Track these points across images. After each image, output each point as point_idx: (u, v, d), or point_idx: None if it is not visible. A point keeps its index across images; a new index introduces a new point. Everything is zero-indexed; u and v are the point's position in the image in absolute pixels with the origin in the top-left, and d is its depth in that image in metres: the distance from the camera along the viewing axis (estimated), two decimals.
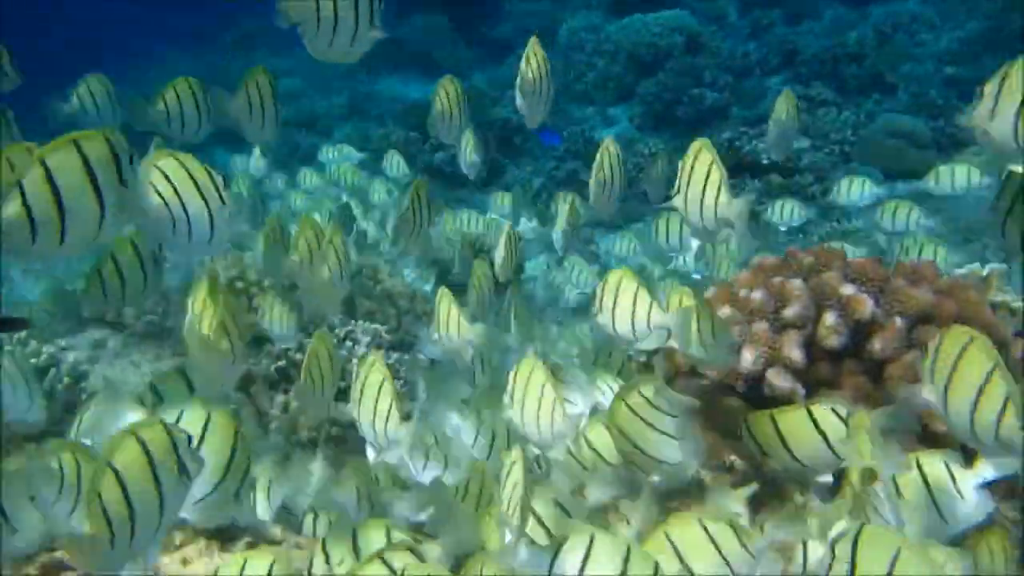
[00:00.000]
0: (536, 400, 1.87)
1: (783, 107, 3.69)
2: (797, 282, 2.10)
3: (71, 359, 3.84)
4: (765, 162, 8.93)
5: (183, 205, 1.74)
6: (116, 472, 1.37)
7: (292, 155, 10.71)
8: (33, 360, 3.70)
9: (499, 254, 3.63)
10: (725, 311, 2.16)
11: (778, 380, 2.03)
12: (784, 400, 1.96)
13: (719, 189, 1.90)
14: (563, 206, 4.00)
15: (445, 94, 2.93)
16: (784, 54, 11.69)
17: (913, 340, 1.99)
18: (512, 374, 1.93)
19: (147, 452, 1.41)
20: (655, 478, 1.84)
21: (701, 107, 10.62)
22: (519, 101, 2.42)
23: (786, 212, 5.14)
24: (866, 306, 2.04)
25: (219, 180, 1.80)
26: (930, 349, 1.58)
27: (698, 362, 2.13)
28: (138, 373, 4.33)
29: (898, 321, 2.00)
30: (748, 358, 2.07)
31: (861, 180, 5.10)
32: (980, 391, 1.49)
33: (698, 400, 2.15)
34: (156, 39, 16.03)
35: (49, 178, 1.49)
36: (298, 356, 3.10)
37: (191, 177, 1.75)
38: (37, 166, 1.49)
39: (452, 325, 2.49)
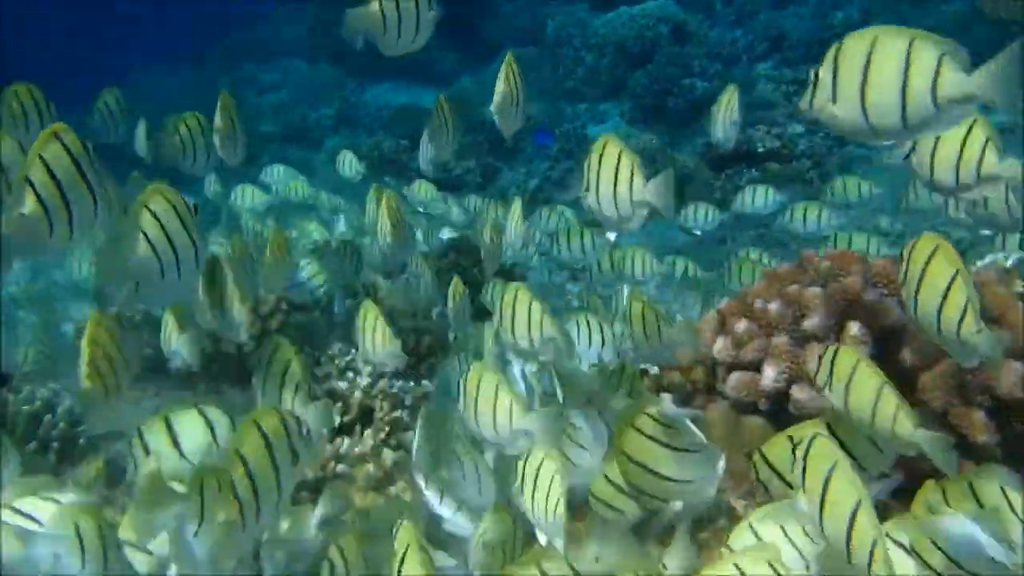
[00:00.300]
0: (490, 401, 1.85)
1: (724, 100, 3.84)
2: (815, 290, 2.00)
3: (67, 403, 3.73)
4: (761, 150, 8.84)
5: (160, 259, 1.77)
6: (244, 459, 1.52)
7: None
8: (26, 407, 3.60)
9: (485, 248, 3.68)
10: (741, 325, 2.06)
11: (803, 396, 1.93)
12: (810, 418, 1.86)
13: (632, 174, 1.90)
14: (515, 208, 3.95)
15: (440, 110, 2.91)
16: (771, 39, 11.61)
17: None
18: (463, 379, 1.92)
19: (266, 439, 1.56)
20: (678, 506, 1.74)
21: (692, 97, 10.53)
22: (495, 115, 2.44)
23: (758, 199, 5.05)
24: (892, 313, 1.94)
25: (193, 225, 1.82)
26: (904, 258, 1.69)
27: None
28: (138, 411, 4.23)
29: None
30: (770, 374, 1.97)
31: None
32: (944, 295, 1.60)
33: (717, 419, 2.07)
34: (142, 52, 15.94)
35: (51, 172, 1.62)
36: None
37: (164, 229, 1.77)
38: (38, 162, 1.61)
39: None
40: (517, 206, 3.98)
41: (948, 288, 1.59)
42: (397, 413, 3.03)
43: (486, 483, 2.13)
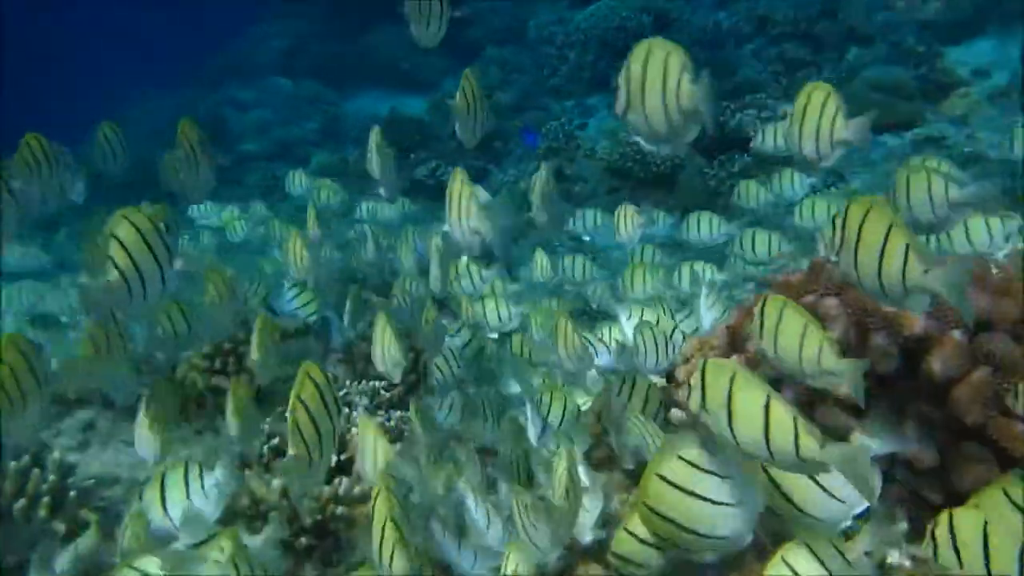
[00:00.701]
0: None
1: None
2: (832, 301, 1.85)
3: (56, 455, 3.59)
4: (752, 134, 8.67)
5: (140, 272, 1.96)
6: (305, 405, 1.74)
7: (273, 189, 10.52)
8: (13, 463, 3.45)
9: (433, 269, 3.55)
10: (755, 342, 1.91)
11: (827, 418, 1.79)
12: (837, 439, 1.72)
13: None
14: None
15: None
16: (755, 20, 11.46)
17: (976, 354, 1.74)
18: None
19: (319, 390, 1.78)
20: (709, 558, 1.59)
21: None
22: (456, 127, 2.59)
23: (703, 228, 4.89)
24: (915, 322, 1.80)
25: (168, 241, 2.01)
26: (838, 225, 1.67)
27: None
28: (130, 453, 4.09)
29: (956, 334, 1.75)
30: (790, 395, 1.83)
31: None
32: (883, 248, 1.58)
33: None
34: (119, 77, 15.84)
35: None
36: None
37: (146, 242, 1.96)
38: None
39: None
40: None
41: (886, 239, 1.57)
42: (397, 446, 2.89)
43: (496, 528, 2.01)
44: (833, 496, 1.54)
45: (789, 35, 10.83)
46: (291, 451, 1.74)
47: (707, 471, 1.53)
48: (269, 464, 2.81)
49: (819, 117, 1.93)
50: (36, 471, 3.46)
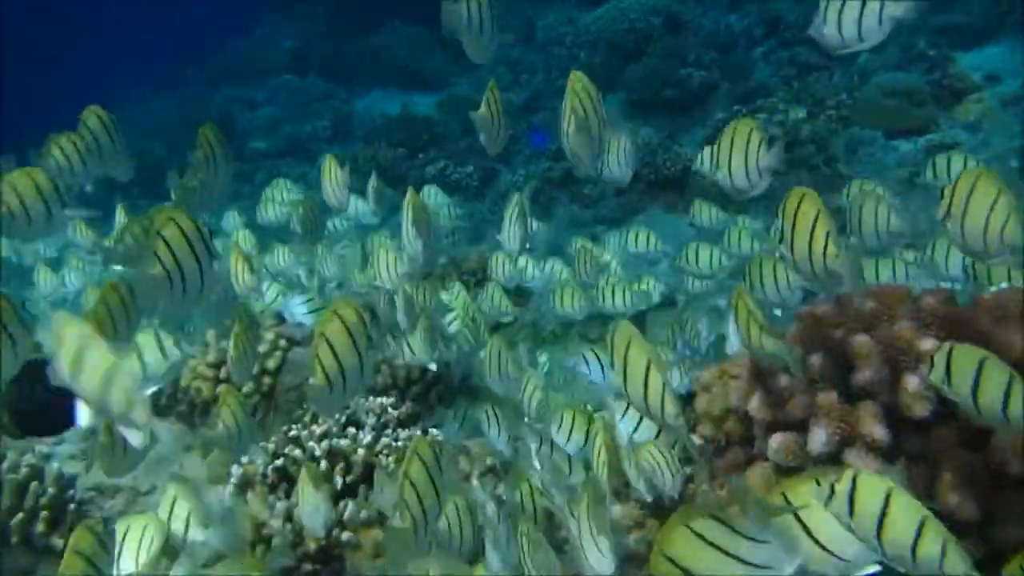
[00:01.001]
0: None
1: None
2: (863, 338, 1.77)
3: (55, 466, 3.52)
4: None
5: (181, 270, 2.00)
6: (328, 340, 1.80)
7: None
8: (12, 476, 3.39)
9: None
10: (781, 380, 1.83)
11: (859, 462, 1.71)
12: None
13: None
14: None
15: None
16: (767, 22, 11.35)
17: None
18: None
19: (346, 326, 1.83)
20: None
21: (689, 88, 10.29)
22: (481, 137, 2.67)
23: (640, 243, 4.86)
24: None
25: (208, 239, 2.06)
26: (780, 215, 1.85)
27: None
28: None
29: None
30: (820, 438, 1.75)
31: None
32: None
33: (759, 485, 1.84)
34: (133, 75, 15.80)
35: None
36: (296, 453, 2.77)
37: (188, 241, 2.01)
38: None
39: None
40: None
41: (813, 226, 1.76)
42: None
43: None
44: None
45: (801, 39, 10.74)
46: (312, 380, 1.82)
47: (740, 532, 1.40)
48: (274, 485, 2.74)
49: (745, 149, 2.16)
50: (35, 484, 3.40)
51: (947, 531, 1.28)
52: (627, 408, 2.28)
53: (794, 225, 1.78)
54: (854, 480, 1.33)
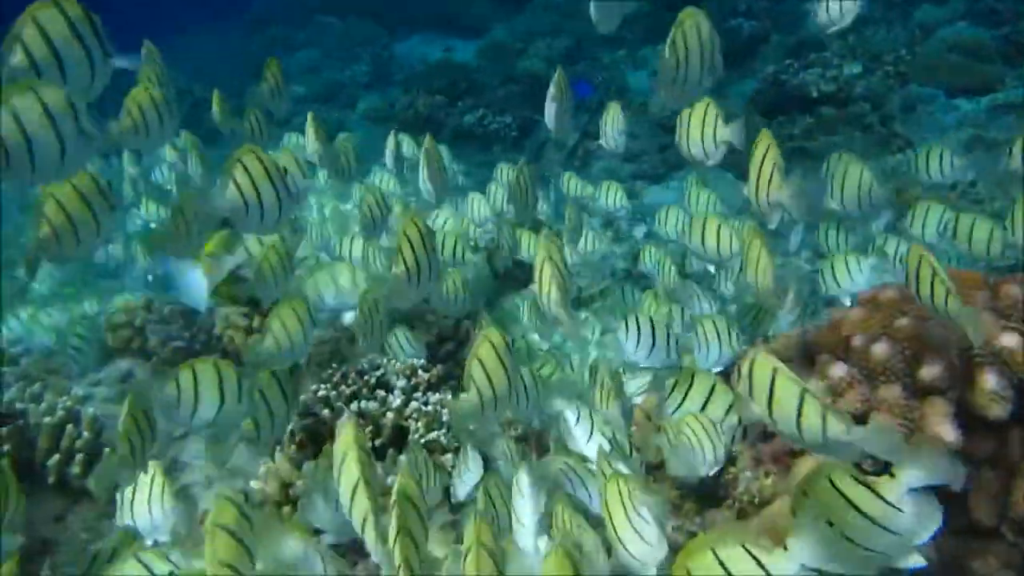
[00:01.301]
0: None
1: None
2: (936, 328, 1.62)
3: (91, 411, 3.53)
4: (815, 95, 8.24)
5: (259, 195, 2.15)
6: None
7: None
8: (48, 418, 3.40)
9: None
10: (838, 370, 1.69)
11: None
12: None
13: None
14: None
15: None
16: None
17: None
18: None
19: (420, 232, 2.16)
20: None
21: (739, 38, 9.91)
22: (549, 121, 2.81)
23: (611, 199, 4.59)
24: None
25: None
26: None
27: None
28: None
29: None
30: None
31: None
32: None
33: None
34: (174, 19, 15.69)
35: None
36: (325, 413, 2.71)
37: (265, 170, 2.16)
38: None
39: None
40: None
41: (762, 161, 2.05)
42: (433, 434, 2.74)
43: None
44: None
45: None
46: (394, 269, 2.06)
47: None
48: (301, 444, 2.70)
49: (702, 125, 2.35)
50: (70, 427, 3.42)
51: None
52: (580, 415, 2.25)
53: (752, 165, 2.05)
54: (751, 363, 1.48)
